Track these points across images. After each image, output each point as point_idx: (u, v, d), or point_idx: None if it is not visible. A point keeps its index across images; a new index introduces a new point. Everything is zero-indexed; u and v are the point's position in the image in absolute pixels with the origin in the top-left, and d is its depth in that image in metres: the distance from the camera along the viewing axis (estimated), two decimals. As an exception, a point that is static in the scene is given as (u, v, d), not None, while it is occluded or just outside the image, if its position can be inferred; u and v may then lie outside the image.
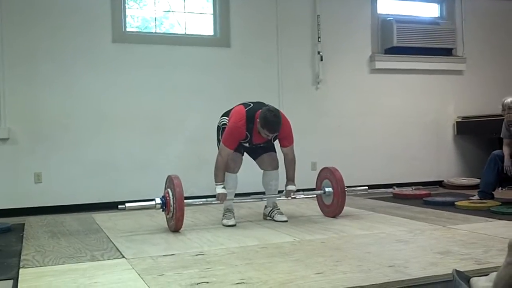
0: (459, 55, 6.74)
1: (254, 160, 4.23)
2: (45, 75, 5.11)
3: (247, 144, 4.02)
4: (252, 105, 3.98)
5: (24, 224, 4.31)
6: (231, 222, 3.95)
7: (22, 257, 3.05)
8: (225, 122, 4.07)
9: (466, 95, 6.79)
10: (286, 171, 4.15)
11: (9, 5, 5.00)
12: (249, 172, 4.40)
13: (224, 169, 3.95)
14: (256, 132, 3.92)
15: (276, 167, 4.16)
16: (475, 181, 6.00)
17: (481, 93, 6.83)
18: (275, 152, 4.20)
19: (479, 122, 6.45)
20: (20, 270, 2.74)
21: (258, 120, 3.84)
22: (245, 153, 4.18)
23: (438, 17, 6.87)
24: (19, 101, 5.03)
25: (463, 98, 6.77)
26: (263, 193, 4.31)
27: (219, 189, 3.91)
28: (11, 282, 2.57)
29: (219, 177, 3.92)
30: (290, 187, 4.12)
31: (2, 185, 4.95)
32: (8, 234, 3.91)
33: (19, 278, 2.59)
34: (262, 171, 4.22)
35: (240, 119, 3.91)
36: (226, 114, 4.14)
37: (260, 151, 4.14)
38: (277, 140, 4.11)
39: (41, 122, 5.10)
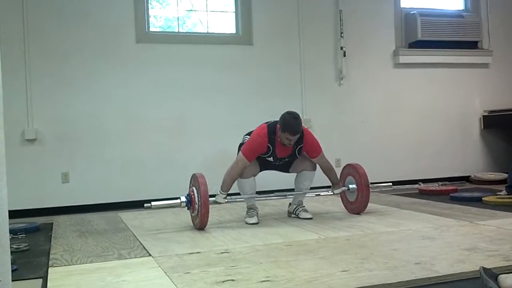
0: (485, 48, 6.63)
1: (289, 172, 4.19)
2: (71, 76, 5.19)
3: (271, 159, 3.99)
4: (273, 121, 3.99)
5: (52, 223, 4.39)
6: (253, 220, 3.95)
7: (51, 256, 3.10)
8: (247, 139, 4.07)
9: (493, 89, 6.68)
10: (328, 178, 4.18)
11: (34, 8, 5.08)
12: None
13: (235, 180, 3.94)
14: (279, 144, 3.91)
15: (314, 167, 4.12)
16: (503, 176, 5.91)
17: (508, 86, 6.72)
18: None
19: (506, 116, 6.35)
20: (49, 269, 2.79)
21: (278, 126, 3.85)
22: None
23: (462, 9, 6.77)
24: (45, 102, 5.11)
25: (489, 92, 6.67)
26: (288, 190, 4.29)
27: (220, 198, 3.91)
28: (40, 280, 2.62)
29: (226, 186, 3.92)
30: (337, 191, 4.19)
31: (30, 185, 5.04)
32: (36, 233, 3.99)
33: (48, 277, 2.63)
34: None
35: (262, 131, 3.93)
36: (249, 133, 4.13)
37: (289, 163, 4.11)
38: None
39: (68, 123, 5.18)
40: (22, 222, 4.28)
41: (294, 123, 3.80)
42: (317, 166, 4.15)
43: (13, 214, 4.77)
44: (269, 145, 3.90)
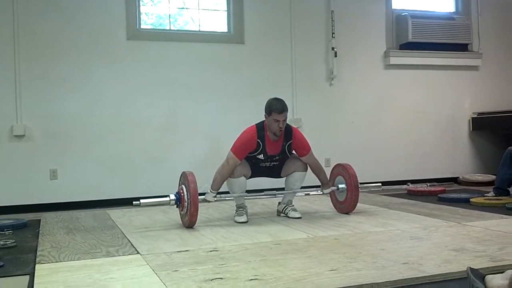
0: (475, 51, 6.68)
1: (280, 176, 4.18)
2: (60, 73, 5.16)
3: (261, 156, 3.97)
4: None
5: (40, 220, 4.36)
6: (243, 219, 3.95)
7: (38, 253, 3.08)
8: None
9: (482, 91, 6.73)
10: (318, 178, 4.19)
11: (24, 4, 5.04)
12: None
13: (226, 178, 3.94)
14: (269, 140, 3.93)
15: (305, 169, 4.12)
16: (491, 177, 5.95)
17: (497, 88, 6.78)
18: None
19: (495, 118, 6.40)
20: (36, 266, 2.77)
21: (265, 116, 3.90)
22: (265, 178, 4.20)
23: (453, 12, 6.81)
24: (34, 98, 5.08)
25: (478, 94, 6.72)
26: (277, 189, 4.29)
27: (210, 197, 3.91)
28: (27, 277, 2.60)
29: (216, 184, 3.92)
30: (326, 191, 4.21)
31: (18, 181, 5.01)
32: (24, 230, 3.95)
33: (36, 274, 2.61)
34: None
35: (251, 128, 3.99)
36: None
37: (280, 165, 4.11)
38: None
39: (57, 119, 5.15)
40: (9, 218, 4.26)
41: (278, 102, 3.90)
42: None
43: (0, 210, 4.76)
44: (259, 141, 3.91)
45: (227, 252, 2.94)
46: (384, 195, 5.35)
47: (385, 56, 6.33)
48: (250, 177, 4.09)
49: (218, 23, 5.84)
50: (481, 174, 6.43)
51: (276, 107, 3.86)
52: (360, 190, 4.16)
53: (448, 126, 6.61)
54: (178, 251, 3.00)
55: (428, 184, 6.13)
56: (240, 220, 3.93)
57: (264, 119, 3.96)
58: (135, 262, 2.78)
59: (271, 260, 2.72)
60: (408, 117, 6.42)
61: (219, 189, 3.95)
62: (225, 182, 3.99)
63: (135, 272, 2.59)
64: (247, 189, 4.09)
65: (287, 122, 4.01)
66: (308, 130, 5.52)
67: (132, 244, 3.25)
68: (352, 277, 2.35)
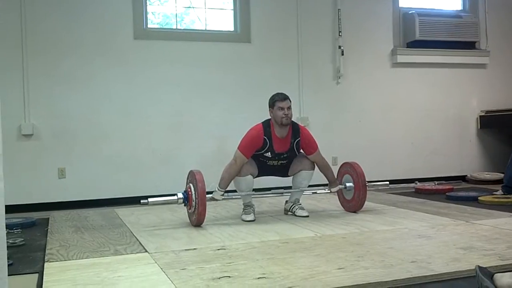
0: (483, 49, 6.65)
1: (287, 175, 4.18)
2: (68, 72, 5.18)
3: (269, 154, 3.97)
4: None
5: (48, 218, 4.38)
6: (250, 217, 3.95)
7: (47, 251, 3.10)
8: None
9: (490, 89, 6.70)
10: (325, 176, 4.18)
11: (31, 3, 5.06)
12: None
13: (233, 177, 3.94)
14: (275, 138, 3.93)
15: (312, 167, 4.11)
16: (499, 175, 5.92)
17: (505, 86, 6.74)
18: None
19: (503, 116, 6.37)
20: (45, 264, 2.79)
21: (270, 111, 3.94)
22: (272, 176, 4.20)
23: (461, 10, 6.78)
24: (42, 98, 5.11)
25: (486, 92, 6.69)
26: (285, 188, 4.29)
27: (217, 195, 3.91)
28: (36, 275, 2.62)
29: (224, 183, 3.92)
30: (334, 189, 4.20)
31: (26, 180, 5.04)
32: (33, 228, 3.98)
33: (44, 272, 2.63)
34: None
35: (257, 126, 4.00)
36: None
37: (287, 164, 4.10)
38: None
39: (65, 118, 5.17)
40: (18, 217, 4.27)
41: (279, 93, 4.01)
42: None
43: (9, 209, 4.75)
44: (265, 138, 3.91)
45: (234, 251, 2.94)
46: (392, 193, 5.34)
47: (392, 54, 6.31)
48: (257, 176, 4.09)
49: (225, 22, 5.84)
50: (489, 172, 6.41)
51: (277, 96, 3.95)
52: (367, 189, 4.15)
53: (455, 124, 6.59)
54: (186, 250, 3.00)
55: (436, 183, 6.11)
56: (248, 219, 3.93)
57: (269, 117, 3.97)
58: (143, 261, 2.79)
59: (279, 258, 2.73)
60: (416, 115, 6.41)
61: (226, 187, 3.95)
62: (232, 181, 3.99)
63: (143, 270, 2.60)
64: (254, 187, 4.10)
65: (294, 120, 4.01)
66: (315, 128, 5.51)
67: (140, 243, 3.26)
68: (360, 276, 2.34)
